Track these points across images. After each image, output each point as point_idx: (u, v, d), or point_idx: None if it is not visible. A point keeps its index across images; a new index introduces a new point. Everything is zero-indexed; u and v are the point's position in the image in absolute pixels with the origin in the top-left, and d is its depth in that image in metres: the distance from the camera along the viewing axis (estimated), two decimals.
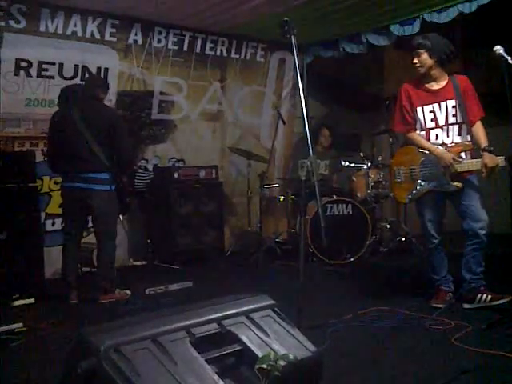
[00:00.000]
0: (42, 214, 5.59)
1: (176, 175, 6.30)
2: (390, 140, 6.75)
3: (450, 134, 4.14)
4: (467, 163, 4.03)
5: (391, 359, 3.26)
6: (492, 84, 4.09)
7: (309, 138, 2.57)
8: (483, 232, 4.02)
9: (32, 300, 4.71)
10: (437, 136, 4.16)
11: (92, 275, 5.27)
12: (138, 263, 6.39)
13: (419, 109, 4.19)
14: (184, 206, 6.32)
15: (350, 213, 6.22)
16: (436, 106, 4.15)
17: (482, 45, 4.09)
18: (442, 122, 4.14)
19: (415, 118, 4.22)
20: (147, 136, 6.56)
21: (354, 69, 7.59)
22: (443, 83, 4.17)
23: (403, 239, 6.46)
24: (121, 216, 5.28)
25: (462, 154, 4.10)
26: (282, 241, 6.75)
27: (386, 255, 6.38)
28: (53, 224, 5.81)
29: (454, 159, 4.01)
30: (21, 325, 3.95)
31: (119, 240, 5.75)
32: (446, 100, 4.12)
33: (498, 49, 3.74)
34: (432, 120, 4.16)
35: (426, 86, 4.20)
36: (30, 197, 4.95)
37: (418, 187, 4.17)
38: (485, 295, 4.09)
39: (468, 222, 4.07)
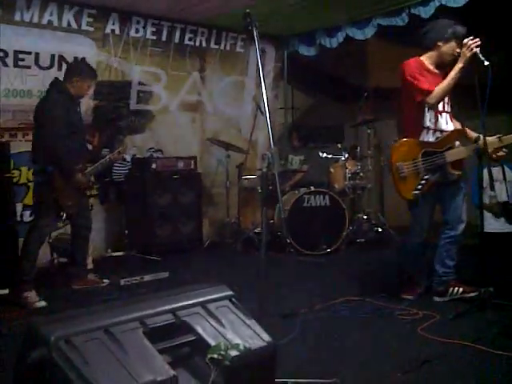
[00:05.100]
0: (20, 205, 5.59)
1: (154, 166, 6.30)
2: (368, 131, 6.78)
3: (446, 120, 4.12)
4: (459, 150, 4.02)
5: (357, 348, 3.30)
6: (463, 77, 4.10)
7: (270, 130, 2.58)
8: (461, 231, 4.10)
9: (6, 291, 4.70)
10: (437, 119, 4.09)
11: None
12: (116, 254, 6.39)
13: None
14: (162, 196, 6.32)
15: (328, 204, 6.24)
16: None
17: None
18: (440, 107, 4.08)
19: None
20: (126, 126, 6.54)
21: (337, 60, 7.59)
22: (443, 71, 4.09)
23: (380, 230, 6.51)
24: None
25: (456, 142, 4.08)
26: (259, 232, 6.75)
27: (363, 246, 6.43)
28: (31, 215, 5.76)
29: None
30: None
31: (97, 230, 5.81)
32: None
33: None
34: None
35: (431, 68, 4.09)
36: (3, 188, 4.92)
37: (422, 181, 4.01)
38: (456, 288, 4.14)
39: (453, 225, 4.11)
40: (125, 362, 1.83)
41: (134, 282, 5.04)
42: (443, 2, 5.60)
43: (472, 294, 4.05)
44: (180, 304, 2.15)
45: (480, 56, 3.71)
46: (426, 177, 4.01)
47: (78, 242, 5.00)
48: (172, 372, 1.87)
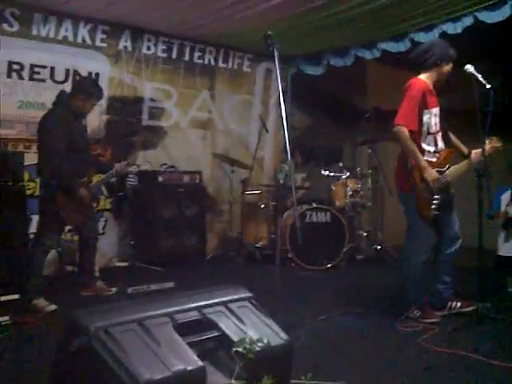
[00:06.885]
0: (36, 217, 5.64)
1: (160, 179, 6.47)
2: (369, 151, 6.98)
3: (440, 140, 4.23)
4: (457, 168, 4.14)
5: (361, 356, 3.46)
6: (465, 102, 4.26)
7: (287, 143, 2.74)
8: (458, 247, 4.24)
9: (17, 296, 4.81)
10: (436, 141, 4.20)
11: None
12: (121, 264, 6.52)
13: (432, 111, 4.13)
14: (167, 209, 6.48)
15: (328, 220, 6.41)
16: (437, 110, 4.17)
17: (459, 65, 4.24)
18: (434, 129, 4.19)
19: (421, 121, 4.10)
20: (138, 141, 6.69)
21: (338, 81, 7.81)
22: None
23: (379, 247, 6.68)
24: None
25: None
26: (262, 246, 6.90)
27: (362, 262, 6.60)
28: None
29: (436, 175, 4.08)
30: (7, 318, 4.07)
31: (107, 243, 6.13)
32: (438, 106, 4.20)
33: (469, 67, 3.99)
34: (435, 124, 4.17)
35: (431, 89, 4.17)
36: (16, 198, 4.94)
37: (436, 200, 4.05)
38: (455, 302, 4.30)
39: (452, 241, 4.23)
40: (157, 352, 1.99)
41: (140, 291, 5.16)
42: (444, 29, 5.82)
43: (470, 309, 4.20)
44: (204, 302, 2.32)
45: (481, 79, 3.91)
46: (437, 196, 4.06)
47: (85, 252, 5.15)
48: (200, 363, 2.03)
